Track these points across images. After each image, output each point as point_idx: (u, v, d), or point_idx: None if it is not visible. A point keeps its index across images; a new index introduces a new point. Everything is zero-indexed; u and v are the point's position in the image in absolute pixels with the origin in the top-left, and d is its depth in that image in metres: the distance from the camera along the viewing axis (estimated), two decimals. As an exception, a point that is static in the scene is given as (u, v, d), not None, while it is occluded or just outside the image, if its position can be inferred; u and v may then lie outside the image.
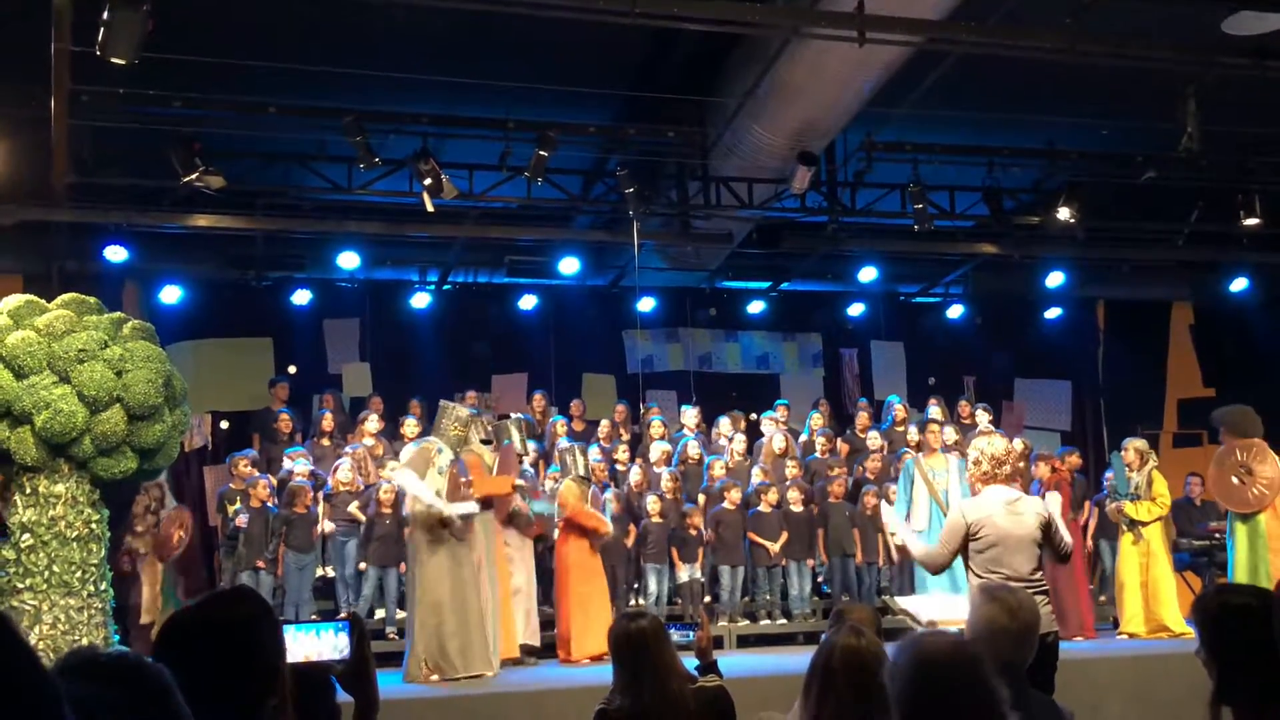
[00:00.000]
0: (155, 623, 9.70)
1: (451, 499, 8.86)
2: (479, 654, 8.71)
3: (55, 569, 7.97)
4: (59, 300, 8.63)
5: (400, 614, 10.35)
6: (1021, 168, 12.30)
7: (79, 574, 8.06)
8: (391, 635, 10.18)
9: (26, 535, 8.00)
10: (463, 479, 9.12)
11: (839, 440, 12.68)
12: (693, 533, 11.02)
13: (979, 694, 2.48)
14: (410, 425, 10.99)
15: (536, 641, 9.96)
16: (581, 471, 10.32)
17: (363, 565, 10.54)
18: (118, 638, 8.50)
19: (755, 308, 14.72)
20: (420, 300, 13.59)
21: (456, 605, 8.66)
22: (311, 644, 2.71)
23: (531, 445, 10.99)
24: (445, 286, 13.80)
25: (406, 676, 8.61)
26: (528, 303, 13.90)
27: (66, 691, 1.34)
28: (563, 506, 10.10)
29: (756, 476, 11.48)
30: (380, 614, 10.58)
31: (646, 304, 13.88)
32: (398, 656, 9.05)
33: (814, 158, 10.70)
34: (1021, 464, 10.47)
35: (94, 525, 8.23)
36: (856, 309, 14.90)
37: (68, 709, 1.26)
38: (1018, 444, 11.31)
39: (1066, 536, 5.98)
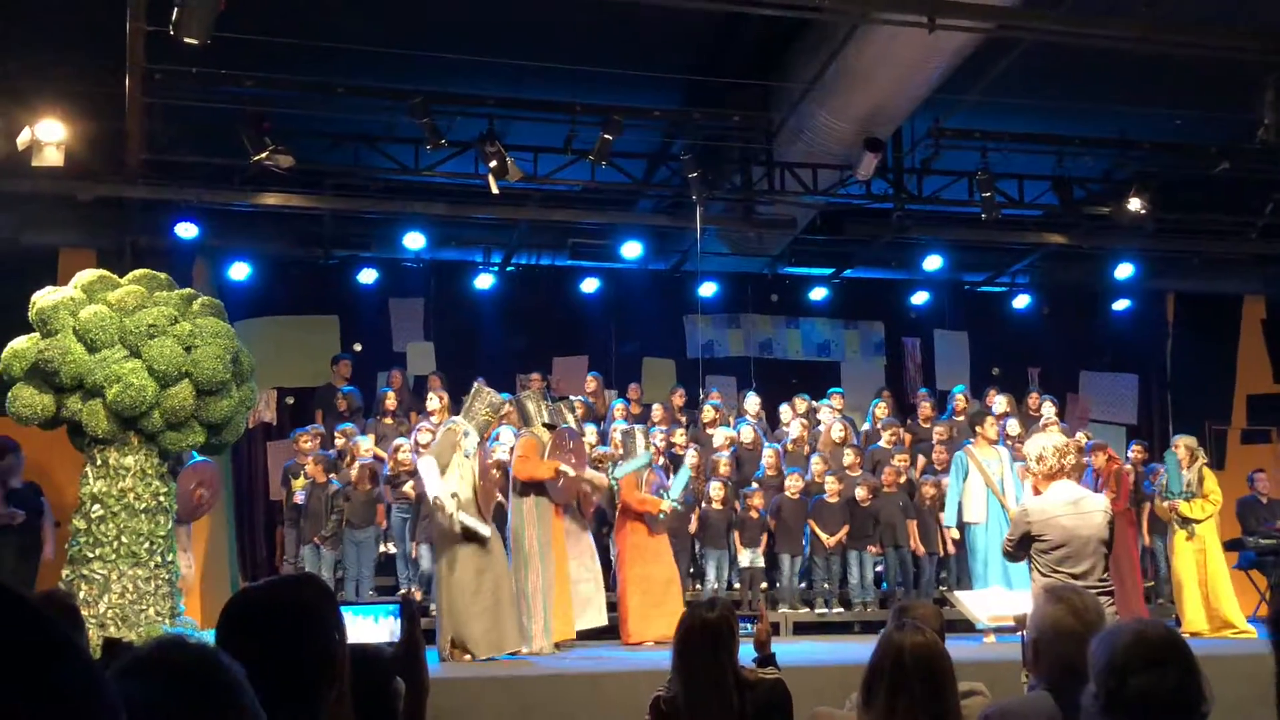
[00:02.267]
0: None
1: (484, 481, 8.89)
2: (511, 634, 8.69)
3: (124, 539, 8.13)
4: (131, 276, 8.79)
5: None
6: (1092, 157, 12.14)
7: (146, 545, 8.22)
8: (435, 612, 10.26)
9: (97, 506, 8.17)
10: (489, 460, 9.11)
11: (901, 430, 12.57)
12: (754, 515, 10.99)
13: (1187, 681, 2.50)
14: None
15: (603, 622, 9.94)
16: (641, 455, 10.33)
17: (414, 545, 10.61)
18: (183, 608, 8.65)
19: (817, 294, 14.65)
20: (484, 281, 13.67)
21: (484, 586, 8.64)
22: (364, 627, 2.72)
23: (589, 427, 11.06)
24: (508, 268, 13.87)
25: (441, 656, 8.67)
26: (589, 286, 13.93)
27: (127, 694, 1.34)
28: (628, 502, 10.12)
29: (816, 465, 11.41)
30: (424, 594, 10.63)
31: (708, 289, 13.85)
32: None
33: (880, 144, 10.62)
34: (1081, 459, 10.39)
35: (162, 497, 8.39)
36: (920, 297, 14.78)
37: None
38: (1079, 437, 11.26)
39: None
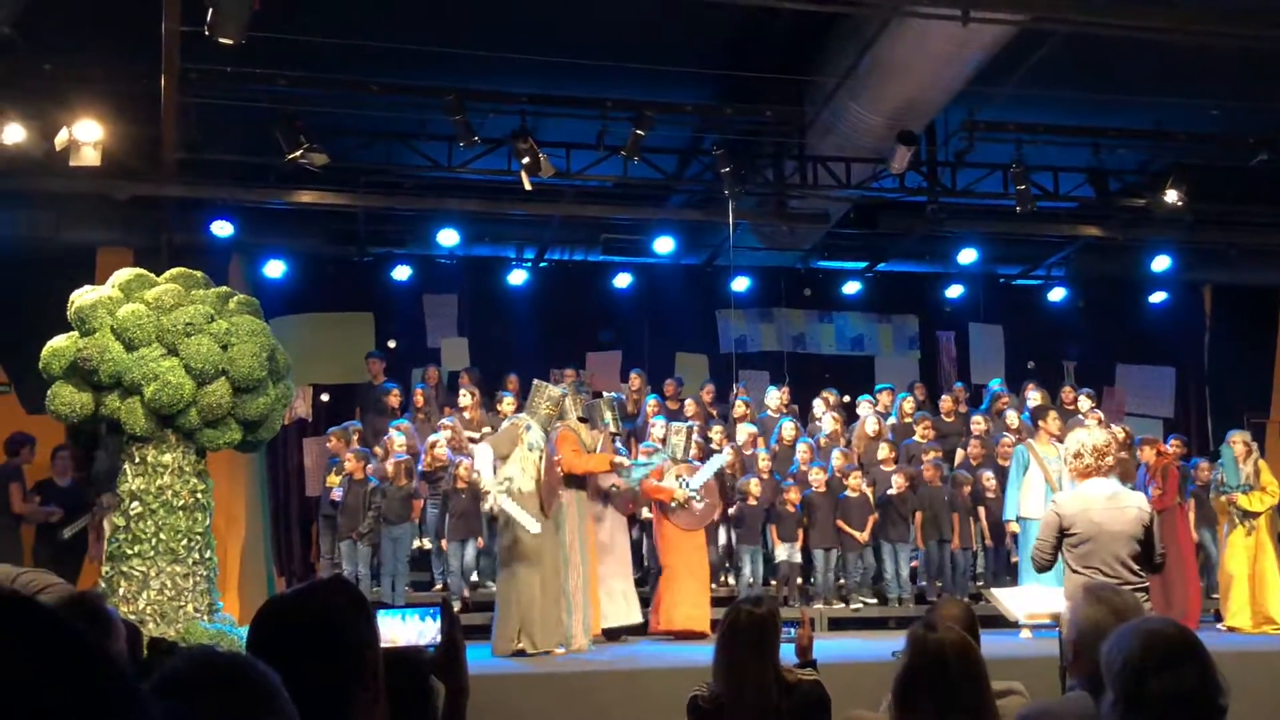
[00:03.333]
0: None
1: (549, 475, 8.94)
2: (561, 629, 8.80)
3: (162, 536, 8.20)
4: (168, 274, 8.86)
5: (480, 587, 10.50)
6: (1128, 149, 12.03)
7: (184, 541, 8.28)
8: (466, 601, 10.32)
9: (135, 503, 8.24)
10: (554, 456, 9.16)
11: (932, 424, 12.50)
12: (790, 509, 10.97)
13: (1207, 678, 2.49)
14: (507, 402, 11.07)
15: (638, 619, 9.97)
16: (680, 455, 10.34)
17: (444, 542, 10.65)
18: (220, 604, 8.72)
19: (851, 288, 14.60)
20: (517, 277, 13.71)
21: (543, 580, 8.74)
22: (403, 629, 2.72)
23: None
24: (541, 264, 13.90)
25: (496, 650, 8.72)
26: (622, 281, 13.94)
27: (167, 713, 1.35)
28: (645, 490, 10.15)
29: (836, 460, 11.34)
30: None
31: (741, 284, 13.84)
32: (477, 630, 9.19)
33: (914, 137, 10.56)
34: (1123, 453, 10.28)
35: (199, 494, 8.45)
36: (955, 291, 14.69)
37: None
38: (1118, 432, 11.13)
39: (1160, 546, 5.79)
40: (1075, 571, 5.54)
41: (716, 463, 10.67)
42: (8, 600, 1.19)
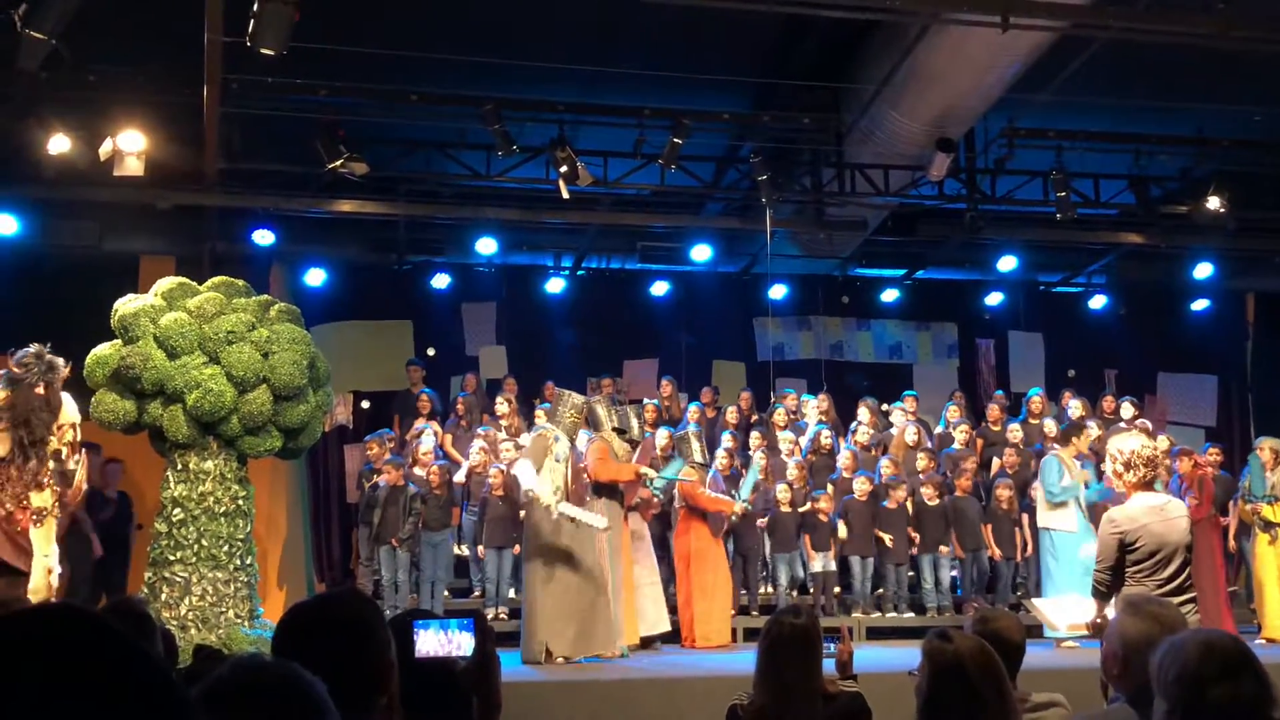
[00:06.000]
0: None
1: (576, 484, 8.95)
2: (597, 637, 8.78)
3: (204, 543, 8.26)
4: (209, 283, 8.94)
5: (513, 595, 10.52)
6: (1169, 155, 11.95)
7: (226, 548, 8.34)
8: (502, 615, 10.33)
9: (178, 510, 8.31)
10: (580, 464, 9.17)
11: (973, 432, 12.44)
12: (823, 519, 10.94)
13: (1263, 688, 2.48)
14: (542, 415, 11.09)
15: (667, 628, 9.99)
16: (698, 458, 10.34)
17: (481, 549, 10.67)
18: (261, 610, 8.78)
19: (889, 296, 14.55)
20: (555, 285, 13.76)
21: (576, 588, 8.73)
22: (437, 641, 2.74)
23: (665, 430, 11.11)
24: (579, 272, 13.94)
25: (525, 657, 8.73)
26: (659, 289, 13.96)
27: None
28: (683, 495, 10.13)
29: (886, 469, 11.32)
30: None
31: (778, 291, 13.82)
32: (509, 637, 9.21)
33: (952, 144, 10.53)
34: (1166, 461, 10.17)
35: (241, 501, 8.51)
36: (994, 298, 14.62)
37: None
38: (1162, 441, 11.01)
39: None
40: (1132, 585, 5.42)
41: (756, 471, 10.68)
42: (62, 610, 1.21)
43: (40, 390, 7.22)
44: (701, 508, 10.04)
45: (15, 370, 7.18)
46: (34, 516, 7.18)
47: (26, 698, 1.07)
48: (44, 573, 7.11)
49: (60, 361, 7.38)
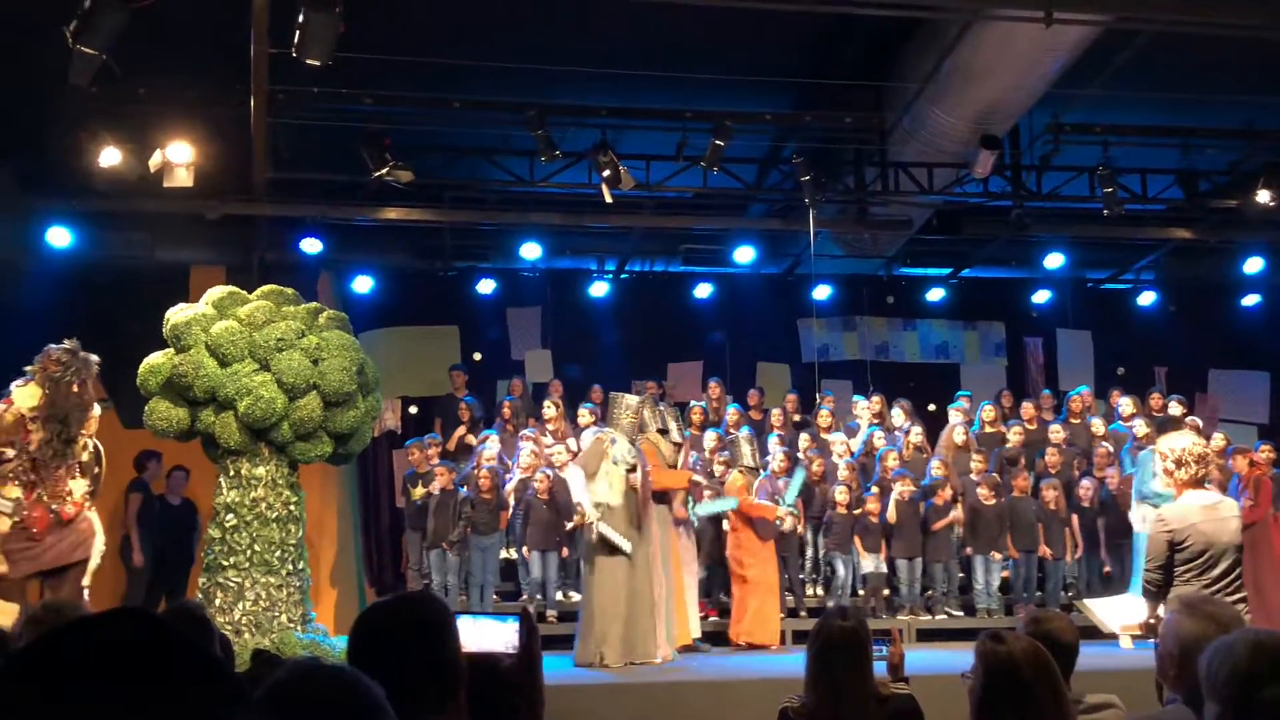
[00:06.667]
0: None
1: (643, 487, 8.97)
2: (647, 641, 8.79)
3: (256, 548, 8.35)
4: (259, 291, 9.04)
5: (560, 597, 10.56)
6: (1218, 149, 11.81)
7: (278, 553, 8.43)
8: (551, 618, 10.37)
9: (230, 515, 8.41)
10: (647, 467, 9.18)
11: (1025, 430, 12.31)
12: (873, 520, 10.91)
13: None
14: (585, 415, 11.13)
15: (696, 633, 9.98)
16: (749, 462, 10.33)
17: (527, 550, 10.71)
18: (314, 614, 8.86)
19: (935, 295, 14.46)
20: (599, 289, 13.80)
21: (629, 592, 8.75)
22: (482, 635, 2.76)
23: (712, 432, 11.08)
24: (623, 275, 13.97)
25: (578, 660, 8.75)
26: (703, 291, 13.96)
27: None
28: (732, 496, 10.14)
29: (936, 469, 11.25)
30: (539, 597, 10.72)
31: (822, 292, 13.76)
32: (560, 640, 9.22)
33: (997, 141, 10.47)
34: (1220, 460, 10.03)
35: (292, 506, 8.60)
36: (1041, 296, 14.50)
37: None
38: (1216, 439, 10.87)
39: None
40: (1182, 584, 5.37)
41: (801, 477, 10.65)
42: (130, 614, 1.25)
43: (76, 388, 7.37)
44: (746, 514, 10.05)
45: (52, 369, 7.31)
46: (85, 499, 7.40)
47: (105, 696, 1.11)
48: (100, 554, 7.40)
49: (94, 358, 7.53)
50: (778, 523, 10.19)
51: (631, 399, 9.37)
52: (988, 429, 12.12)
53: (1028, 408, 12.55)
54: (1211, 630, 3.23)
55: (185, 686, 1.19)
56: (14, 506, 7.19)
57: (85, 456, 7.55)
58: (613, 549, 8.75)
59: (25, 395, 7.31)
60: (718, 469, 10.70)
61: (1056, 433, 11.90)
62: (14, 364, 7.54)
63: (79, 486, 7.44)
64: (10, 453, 7.24)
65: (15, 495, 7.20)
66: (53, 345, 7.47)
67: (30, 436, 7.26)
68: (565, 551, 10.66)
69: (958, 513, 11.07)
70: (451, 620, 2.33)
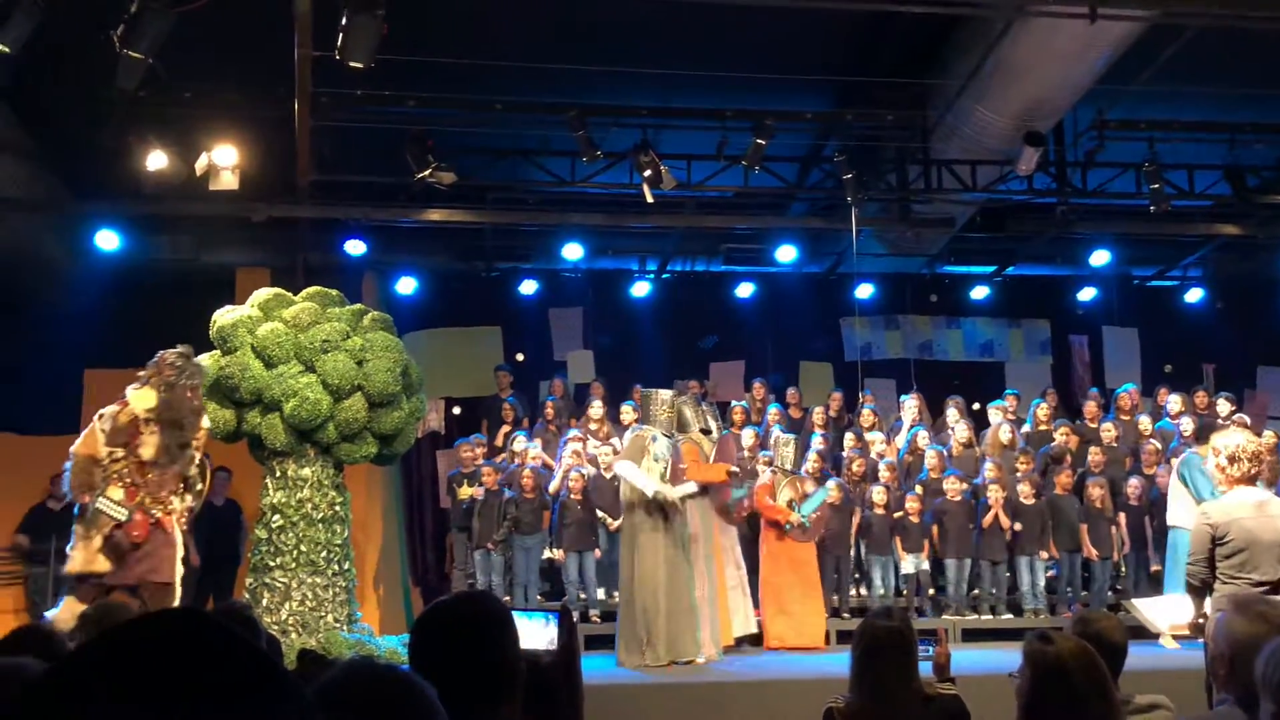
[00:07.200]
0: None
1: (675, 483, 8.99)
2: (689, 640, 8.77)
3: (303, 548, 8.42)
4: (304, 293, 9.11)
5: (600, 597, 10.56)
6: (1266, 143, 11.65)
7: (324, 553, 8.50)
8: (595, 618, 10.38)
9: (277, 516, 8.48)
10: (681, 465, 9.20)
11: (1072, 430, 12.19)
12: (914, 520, 10.85)
13: None
14: (628, 412, 11.14)
15: (754, 629, 9.97)
16: (788, 465, 10.30)
17: (560, 553, 10.69)
18: (359, 614, 8.92)
19: (979, 293, 14.37)
20: (640, 289, 13.81)
21: (670, 591, 8.73)
22: (522, 631, 2.77)
23: (750, 430, 11.06)
24: (664, 275, 13.98)
25: (620, 660, 8.76)
26: (745, 291, 13.94)
27: None
28: (754, 498, 10.14)
29: (989, 471, 11.13)
30: (582, 596, 10.74)
31: (864, 291, 13.71)
32: (601, 639, 9.21)
33: (1041, 138, 10.38)
34: (1272, 458, 9.88)
35: (338, 507, 8.67)
36: (1087, 293, 14.38)
37: None
38: (1268, 436, 10.71)
39: None
40: (1226, 582, 5.32)
41: (824, 493, 10.54)
42: (185, 614, 1.26)
43: (189, 393, 7.42)
44: (762, 513, 10.04)
45: (168, 373, 7.37)
46: (184, 515, 7.43)
47: (160, 698, 1.12)
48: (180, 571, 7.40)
49: (205, 363, 7.57)
50: (787, 526, 10.10)
51: (665, 393, 9.36)
52: (1041, 427, 12.00)
53: (1090, 406, 12.41)
54: (1263, 630, 3.19)
55: (243, 688, 1.20)
56: (124, 511, 7.18)
57: (193, 470, 7.58)
58: (655, 550, 8.74)
59: (141, 398, 7.35)
60: (762, 469, 10.64)
61: (1108, 431, 11.77)
62: (64, 365, 7.63)
63: (180, 502, 7.47)
64: (120, 453, 7.29)
65: (118, 497, 7.23)
66: (166, 350, 7.53)
67: (142, 439, 7.30)
68: (598, 553, 10.66)
69: (1003, 514, 10.97)
70: (511, 621, 2.34)
